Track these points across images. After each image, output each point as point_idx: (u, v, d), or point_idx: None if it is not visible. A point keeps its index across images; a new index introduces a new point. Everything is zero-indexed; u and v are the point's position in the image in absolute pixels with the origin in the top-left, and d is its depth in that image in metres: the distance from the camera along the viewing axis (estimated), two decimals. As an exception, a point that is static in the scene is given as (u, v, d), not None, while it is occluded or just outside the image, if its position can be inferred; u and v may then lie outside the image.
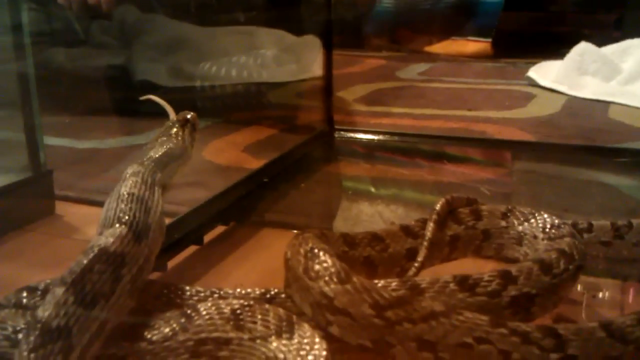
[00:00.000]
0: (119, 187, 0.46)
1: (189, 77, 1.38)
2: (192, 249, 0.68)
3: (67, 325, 0.35)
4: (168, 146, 0.55)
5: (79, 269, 0.37)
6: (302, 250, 0.45)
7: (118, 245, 0.40)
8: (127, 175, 0.48)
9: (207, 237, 0.71)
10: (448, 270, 0.58)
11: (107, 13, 1.43)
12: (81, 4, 1.38)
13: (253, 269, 0.65)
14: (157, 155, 0.53)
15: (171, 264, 0.63)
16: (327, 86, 1.09)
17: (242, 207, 0.77)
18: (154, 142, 0.57)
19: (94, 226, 0.77)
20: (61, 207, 0.82)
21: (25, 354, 0.33)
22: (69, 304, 0.35)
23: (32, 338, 0.34)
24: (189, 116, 0.62)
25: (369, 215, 0.81)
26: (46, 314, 0.35)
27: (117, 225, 0.42)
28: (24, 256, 0.71)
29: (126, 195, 0.45)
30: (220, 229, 0.73)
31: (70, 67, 1.37)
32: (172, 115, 0.65)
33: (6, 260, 0.70)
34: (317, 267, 0.44)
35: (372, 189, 0.92)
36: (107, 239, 0.40)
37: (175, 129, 0.58)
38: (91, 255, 0.39)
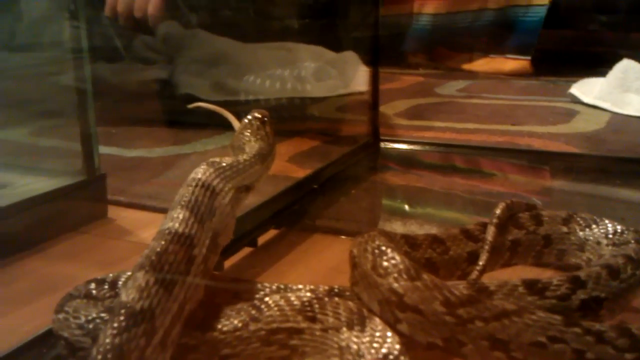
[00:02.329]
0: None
1: (231, 91, 1.40)
2: (246, 250, 0.68)
3: (150, 307, 0.35)
4: (259, 143, 0.56)
5: (154, 253, 0.38)
6: (369, 248, 0.45)
7: (185, 227, 0.41)
8: (200, 165, 0.48)
9: (261, 240, 0.71)
10: (507, 276, 0.58)
11: (151, 29, 1.46)
12: (127, 18, 1.42)
13: (307, 272, 0.65)
14: (254, 151, 0.54)
15: (227, 264, 0.64)
16: (373, 98, 1.10)
17: (294, 212, 0.78)
18: (240, 140, 0.57)
19: (145, 229, 0.79)
20: (113, 211, 0.83)
21: (109, 339, 0.33)
22: (151, 285, 0.36)
23: (116, 323, 0.34)
24: (259, 115, 0.61)
25: (418, 222, 0.80)
26: (130, 297, 0.35)
27: (179, 208, 0.43)
28: (79, 256, 0.72)
29: (190, 181, 0.45)
30: (272, 232, 0.74)
31: (114, 82, 1.40)
32: (224, 112, 0.64)
33: (62, 260, 0.71)
34: (385, 264, 0.44)
35: (420, 198, 0.92)
36: (173, 222, 0.41)
37: (258, 126, 0.58)
38: (163, 238, 0.39)
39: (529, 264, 0.59)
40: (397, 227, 0.79)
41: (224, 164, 0.49)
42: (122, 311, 0.34)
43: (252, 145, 0.55)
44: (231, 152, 0.56)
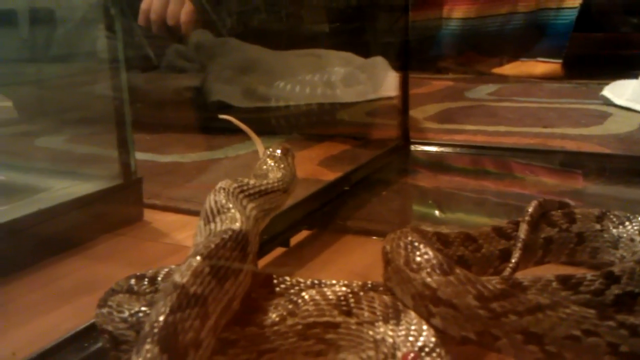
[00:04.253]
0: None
1: (261, 98, 1.42)
2: (279, 250, 0.70)
3: (203, 294, 0.35)
4: (282, 172, 0.58)
5: (213, 245, 0.39)
6: (402, 243, 0.46)
7: (242, 225, 0.42)
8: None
9: (293, 240, 0.72)
10: (540, 274, 0.58)
11: (183, 37, 1.48)
12: (160, 26, 1.44)
13: (339, 272, 0.66)
14: (277, 178, 0.56)
15: (261, 263, 0.65)
16: (403, 102, 1.11)
17: (325, 214, 0.79)
18: (262, 169, 0.59)
19: (179, 231, 0.81)
20: (148, 214, 0.85)
21: (162, 317, 0.33)
22: (205, 273, 0.36)
23: (169, 302, 0.34)
24: (283, 147, 0.64)
25: (448, 225, 0.80)
26: (185, 279, 0.35)
27: (228, 212, 0.44)
28: (116, 257, 0.74)
29: (219, 190, 0.47)
30: (304, 233, 0.75)
31: (148, 90, 1.43)
32: (251, 134, 0.66)
33: (99, 260, 0.73)
34: (418, 259, 0.44)
35: (450, 201, 0.92)
36: (229, 223, 0.42)
37: (281, 157, 0.60)
38: (224, 234, 0.40)
39: (561, 262, 0.58)
40: (427, 229, 0.80)
41: (247, 181, 0.50)
42: (177, 291, 0.35)
43: (274, 174, 0.56)
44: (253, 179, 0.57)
